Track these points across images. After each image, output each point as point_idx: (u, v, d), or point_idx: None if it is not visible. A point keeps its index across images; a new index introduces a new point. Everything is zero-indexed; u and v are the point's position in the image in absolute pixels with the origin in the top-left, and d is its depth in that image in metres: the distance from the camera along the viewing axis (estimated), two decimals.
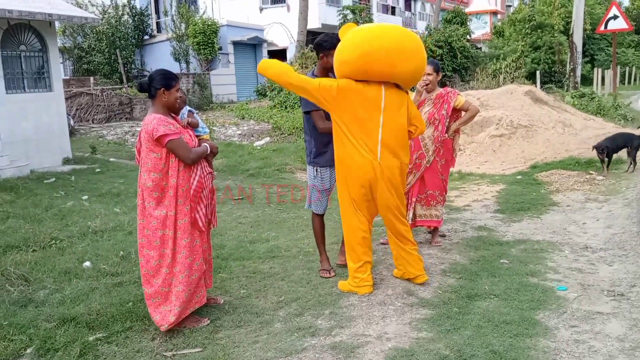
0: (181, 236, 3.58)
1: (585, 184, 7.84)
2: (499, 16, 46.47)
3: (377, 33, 4.06)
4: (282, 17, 28.73)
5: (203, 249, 3.75)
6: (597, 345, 3.30)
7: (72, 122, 14.21)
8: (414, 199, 5.42)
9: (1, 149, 9.39)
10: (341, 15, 29.16)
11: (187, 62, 21.72)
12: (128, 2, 22.70)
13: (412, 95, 5.31)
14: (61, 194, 7.86)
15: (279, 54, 28.49)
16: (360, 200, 4.17)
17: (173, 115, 3.75)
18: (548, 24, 28.81)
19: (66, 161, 10.63)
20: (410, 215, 5.42)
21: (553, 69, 27.41)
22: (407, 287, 4.31)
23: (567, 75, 20.46)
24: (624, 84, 36.03)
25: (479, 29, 40.67)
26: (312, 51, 20.60)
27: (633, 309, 3.78)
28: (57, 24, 11.81)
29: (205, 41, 21.11)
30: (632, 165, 8.20)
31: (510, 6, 52.43)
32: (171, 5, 24.22)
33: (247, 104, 19.75)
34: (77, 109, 16.75)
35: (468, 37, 27.53)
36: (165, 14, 25.44)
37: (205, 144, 3.78)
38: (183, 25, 21.59)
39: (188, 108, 4.05)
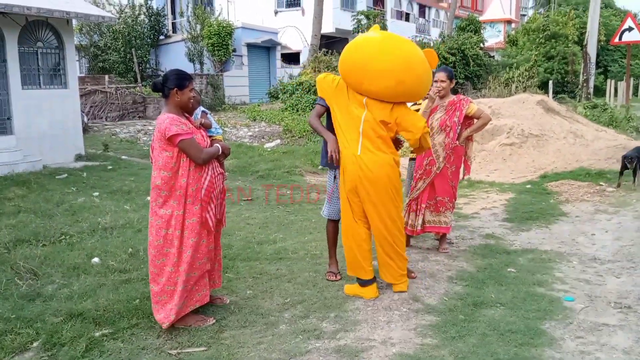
0: (188, 235, 3.60)
1: (595, 195, 7.79)
2: (513, 25, 46.32)
3: (360, 44, 4.17)
4: (296, 21, 28.84)
5: (209, 249, 3.77)
6: (603, 357, 3.28)
7: (85, 119, 14.33)
8: (423, 205, 5.42)
9: (15, 144, 9.50)
10: (355, 20, 29.22)
11: (201, 63, 21.84)
12: (145, 2, 22.87)
13: (424, 103, 5.33)
14: (72, 190, 7.94)
15: (293, 57, 28.60)
16: (351, 197, 4.19)
17: (186, 115, 3.79)
18: (562, 34, 28.71)
19: (78, 158, 10.72)
20: (420, 221, 5.42)
21: (566, 79, 27.30)
22: (413, 292, 4.31)
23: (579, 86, 20.36)
24: (636, 95, 35.75)
25: (493, 38, 40.59)
26: (325, 55, 20.65)
27: None
28: (74, 21, 11.94)
29: (220, 43, 21.21)
30: None
31: (524, 15, 52.27)
32: (187, 6, 24.37)
33: (259, 105, 19.81)
34: (91, 107, 16.89)
35: (481, 45, 27.48)
36: (181, 15, 25.61)
37: (217, 144, 3.81)
38: (198, 27, 21.70)
39: (202, 109, 4.08)
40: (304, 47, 27.08)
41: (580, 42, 25.02)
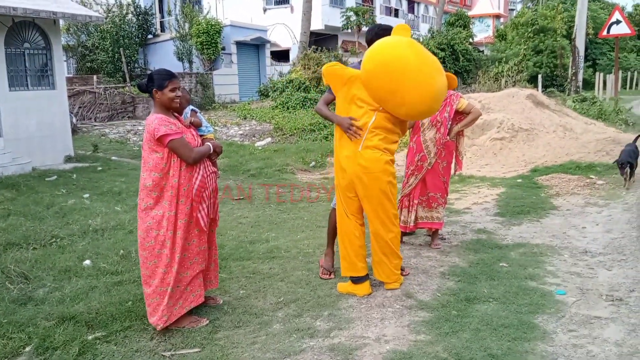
0: (181, 236, 3.59)
1: (585, 188, 7.84)
2: (501, 20, 46.48)
3: (395, 65, 3.92)
4: (285, 18, 28.78)
5: (201, 249, 3.75)
6: (595, 350, 3.30)
7: (74, 120, 14.23)
8: (415, 201, 5.43)
9: (3, 146, 9.42)
10: (344, 17, 29.21)
11: (190, 62, 21.73)
12: (132, 1, 22.70)
13: None
14: (62, 192, 7.88)
15: (282, 55, 28.54)
16: (347, 193, 4.19)
17: (176, 115, 3.77)
18: (550, 28, 28.85)
19: (68, 159, 10.65)
20: (412, 217, 5.44)
21: (555, 73, 27.45)
22: (406, 289, 4.32)
23: (568, 79, 20.47)
24: (625, 88, 35.99)
25: (482, 32, 40.71)
26: (314, 52, 20.63)
27: (631, 314, 3.78)
28: (61, 22, 11.84)
29: (209, 41, 21.13)
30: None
31: (513, 10, 52.45)
32: (175, 5, 24.24)
33: (249, 104, 19.76)
34: (79, 107, 16.77)
35: (470, 40, 27.58)
36: (169, 14, 25.48)
37: (209, 143, 3.79)
38: (187, 25, 21.60)
39: (191, 107, 4.05)
40: (293, 45, 27.04)
41: (569, 35, 25.14)
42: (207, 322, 3.78)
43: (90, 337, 3.54)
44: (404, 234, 5.54)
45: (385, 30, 4.37)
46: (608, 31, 17.22)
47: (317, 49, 21.14)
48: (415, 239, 5.78)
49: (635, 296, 4.09)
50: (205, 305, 3.97)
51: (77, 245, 5.48)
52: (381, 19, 34.05)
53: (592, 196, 7.42)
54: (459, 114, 5.40)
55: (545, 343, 3.38)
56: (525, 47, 26.33)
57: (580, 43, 19.17)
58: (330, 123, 14.44)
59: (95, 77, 18.21)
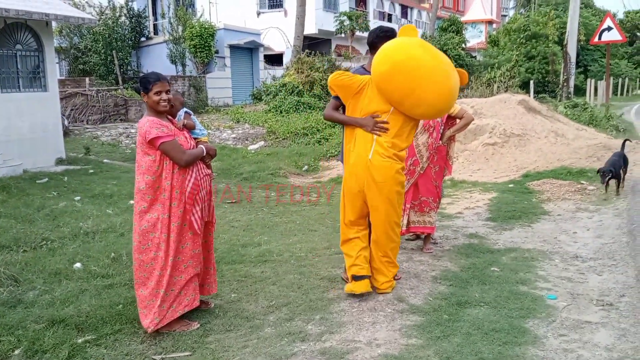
0: (174, 239, 3.58)
1: (576, 193, 7.88)
2: (494, 25, 46.76)
3: (410, 65, 3.91)
4: (279, 22, 28.83)
5: (195, 253, 3.73)
6: (586, 354, 3.32)
7: (66, 123, 14.17)
8: (408, 205, 5.44)
9: None
10: (338, 22, 29.29)
11: (184, 65, 21.72)
12: (126, 3, 22.69)
13: None
14: (53, 195, 7.84)
15: (276, 59, 28.56)
16: (354, 200, 4.17)
17: (169, 117, 3.77)
18: (542, 34, 29.06)
19: (59, 161, 10.59)
20: (405, 221, 5.44)
21: (547, 79, 27.64)
22: (397, 293, 4.32)
23: (560, 85, 20.60)
24: (616, 95, 36.29)
25: (474, 38, 40.95)
26: (308, 56, 20.65)
27: (622, 318, 3.80)
28: (53, 24, 11.79)
29: (202, 44, 21.13)
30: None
31: (505, 16, 52.78)
32: (169, 8, 24.22)
33: (242, 107, 19.75)
34: (71, 109, 16.70)
35: (463, 45, 27.73)
36: (163, 16, 25.47)
37: (202, 146, 3.80)
38: (180, 28, 21.59)
39: (185, 110, 4.05)
40: (286, 49, 27.08)
41: (561, 42, 25.32)
42: (198, 325, 3.76)
43: (80, 341, 3.52)
44: None
45: (387, 32, 4.37)
46: (599, 38, 17.36)
47: (310, 53, 21.17)
48: (407, 243, 5.79)
49: (625, 301, 4.11)
50: (197, 309, 3.95)
51: (68, 248, 5.45)
52: (374, 23, 34.14)
53: (583, 202, 7.46)
54: (452, 119, 5.42)
55: (536, 347, 3.39)
56: (517, 53, 26.49)
57: (572, 49, 19.31)
58: (324, 127, 14.50)
59: (87, 79, 18.16)
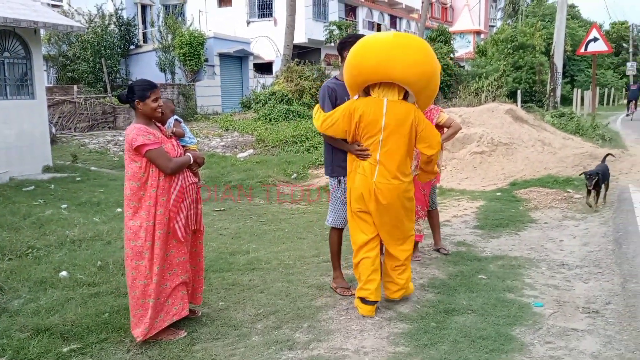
0: (159, 246, 3.57)
1: (562, 201, 7.95)
2: (482, 36, 47.17)
3: (372, 35, 4.07)
4: (268, 31, 28.89)
5: (180, 261, 3.72)
6: None
7: (53, 130, 14.08)
8: None
9: None
10: (327, 31, 29.40)
11: (173, 73, 21.68)
12: (115, 11, 22.65)
13: None
14: (40, 203, 7.77)
15: (265, 67, 28.61)
16: (359, 215, 4.09)
17: (158, 125, 3.77)
18: (530, 45, 29.35)
19: (46, 169, 10.51)
20: None
21: (534, 89, 27.90)
22: (385, 301, 4.32)
23: (547, 95, 20.80)
24: (602, 104, 36.72)
25: (463, 48, 41.28)
26: (297, 65, 20.73)
27: (607, 326, 3.83)
28: (42, 31, 11.75)
29: (192, 52, 21.13)
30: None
31: (493, 26, 53.30)
32: (158, 16, 24.24)
33: (231, 115, 19.74)
34: (59, 117, 16.59)
35: (452, 55, 27.94)
36: (152, 25, 25.44)
37: (189, 154, 3.79)
38: (170, 36, 21.59)
39: (175, 117, 4.03)
40: (276, 57, 27.12)
41: (548, 52, 25.61)
42: (185, 334, 3.74)
43: (65, 349, 3.49)
44: None
45: (349, 38, 4.40)
46: (586, 48, 17.58)
47: (300, 62, 21.25)
48: None
49: (611, 308, 4.14)
50: (184, 318, 3.92)
51: (54, 256, 5.40)
52: (364, 33, 34.32)
53: (570, 210, 7.52)
54: (439, 128, 5.45)
55: (522, 355, 3.41)
56: (504, 63, 26.77)
57: (559, 60, 19.53)
58: (313, 136, 14.52)
59: (75, 87, 18.07)
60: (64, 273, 4.85)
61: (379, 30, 38.42)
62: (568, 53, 32.19)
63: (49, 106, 13.30)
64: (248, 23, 30.39)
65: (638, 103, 27.37)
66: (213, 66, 22.48)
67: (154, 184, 3.56)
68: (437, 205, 5.90)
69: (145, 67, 22.18)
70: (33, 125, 10.38)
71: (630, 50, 53.26)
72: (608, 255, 5.47)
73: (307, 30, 30.22)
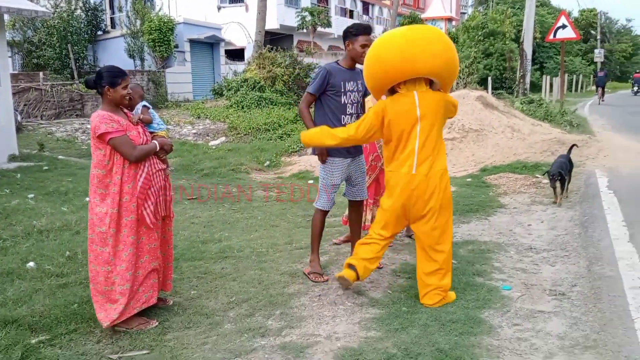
0: (127, 233, 3.54)
1: (531, 187, 8.09)
2: (453, 23, 47.45)
3: (387, 35, 4.05)
4: (240, 17, 28.60)
5: (151, 247, 3.69)
6: (539, 343, 3.41)
7: (19, 118, 13.72)
8: (371, 201, 5.47)
9: None
10: (300, 17, 29.23)
11: (142, 59, 21.31)
12: None
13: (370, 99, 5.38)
14: (6, 192, 7.59)
15: (237, 54, 28.32)
16: (393, 214, 4.04)
17: (125, 111, 3.72)
18: (500, 32, 29.64)
19: (12, 158, 10.25)
20: (369, 217, 5.48)
21: (504, 76, 28.23)
22: (357, 286, 4.35)
23: (517, 82, 21.06)
24: (571, 91, 37.38)
25: None
26: (270, 51, 20.55)
27: (573, 307, 3.93)
28: (5, 16, 11.38)
29: (161, 38, 20.77)
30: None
31: (464, 13, 53.65)
32: (126, 1, 23.74)
33: (203, 103, 19.52)
34: (25, 105, 16.18)
35: None
36: (120, 10, 24.93)
37: (155, 141, 3.74)
38: (138, 22, 21.17)
39: (143, 103, 3.96)
40: (248, 44, 26.89)
41: (517, 39, 25.89)
42: (157, 323, 3.72)
43: (33, 341, 3.43)
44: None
45: (357, 27, 4.47)
46: (554, 35, 17.79)
47: (272, 49, 21.07)
48: None
49: (577, 290, 4.24)
50: (155, 307, 3.89)
51: (21, 246, 5.29)
52: (336, 19, 34.24)
53: (538, 195, 7.66)
54: None
55: (491, 337, 3.47)
56: (475, 50, 26.97)
57: (528, 47, 19.75)
58: (286, 123, 14.47)
59: (41, 73, 17.61)
60: (31, 264, 4.76)
61: (351, 17, 38.34)
62: (537, 40, 32.65)
63: (14, 94, 12.95)
64: (219, 8, 30.02)
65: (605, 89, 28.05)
66: (183, 52, 22.16)
67: (119, 172, 3.53)
68: None
69: (114, 53, 21.75)
70: None
71: (598, 37, 54.31)
72: (574, 238, 5.60)
73: (279, 16, 29.99)
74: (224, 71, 23.65)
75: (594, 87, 38.49)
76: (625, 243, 5.26)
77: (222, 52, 24.57)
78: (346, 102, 4.50)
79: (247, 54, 26.20)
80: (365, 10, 42.05)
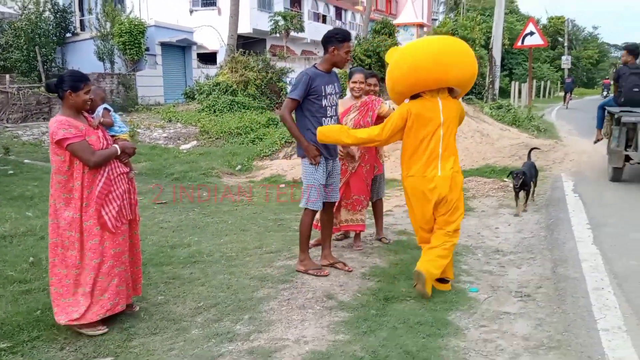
0: (87, 238, 3.52)
1: (499, 190, 8.22)
2: (425, 29, 47.87)
3: (421, 43, 4.26)
4: (212, 20, 28.43)
5: (115, 252, 3.64)
6: (504, 344, 3.46)
7: None
8: (342, 203, 5.49)
9: None
10: (272, 22, 29.21)
11: (112, 62, 21.00)
12: None
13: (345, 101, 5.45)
14: None
15: (209, 57, 28.15)
16: (424, 217, 4.29)
17: (86, 115, 3.67)
18: (470, 38, 30.00)
19: None
20: (338, 219, 5.49)
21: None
22: (327, 290, 4.36)
23: (486, 87, 21.37)
24: (539, 97, 38.10)
25: (406, 40, 41.69)
26: (242, 55, 20.46)
27: (538, 309, 3.99)
28: None
29: (132, 41, 20.50)
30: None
31: (435, 20, 54.31)
32: (96, 3, 23.37)
33: (174, 106, 19.31)
34: None
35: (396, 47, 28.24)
36: (90, 12, 24.51)
37: (116, 145, 3.69)
38: (108, 24, 20.88)
39: (105, 106, 3.90)
40: (220, 47, 26.73)
41: (487, 45, 26.29)
42: (106, 329, 3.64)
43: None
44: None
45: (343, 33, 4.59)
46: (523, 42, 18.13)
47: (245, 53, 20.99)
48: (339, 241, 5.84)
49: (542, 292, 4.32)
50: (121, 313, 3.84)
51: None
52: (309, 24, 34.34)
53: (506, 198, 7.78)
54: (380, 119, 5.52)
55: (457, 339, 3.51)
56: None
57: (497, 53, 20.07)
58: (258, 127, 14.41)
59: (8, 76, 17.22)
60: None
61: (324, 22, 38.48)
62: (506, 47, 33.17)
63: None
64: (191, 12, 29.83)
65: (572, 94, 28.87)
66: (155, 55, 21.92)
67: (79, 177, 3.50)
68: (383, 196, 5.98)
69: (83, 55, 21.39)
70: None
71: (566, 44, 55.53)
72: (540, 241, 5.70)
73: (252, 20, 29.94)
74: (196, 75, 23.47)
75: (561, 93, 39.36)
76: (589, 245, 5.38)
77: (194, 55, 24.39)
78: (327, 105, 4.61)
79: (220, 58, 26.04)
80: (338, 15, 42.25)
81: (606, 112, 9.02)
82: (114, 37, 20.53)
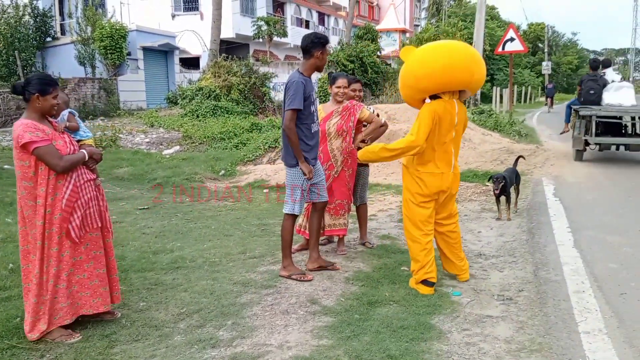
0: (49, 245, 3.48)
1: (481, 195, 8.29)
2: (407, 34, 48.27)
3: (455, 45, 4.35)
4: (195, 25, 28.36)
5: (76, 260, 3.59)
6: (486, 347, 3.48)
7: None
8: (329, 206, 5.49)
9: None
10: (255, 26, 29.20)
11: (93, 67, 20.83)
12: (30, 2, 21.45)
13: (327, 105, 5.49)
14: None
15: (192, 62, 28.05)
16: (428, 212, 4.47)
17: (50, 119, 3.60)
18: None
19: None
20: (327, 223, 5.50)
21: None
22: (310, 295, 4.35)
23: None
24: (520, 102, 38.55)
25: (389, 46, 42.07)
26: (225, 60, 20.42)
27: (520, 312, 4.03)
28: None
29: (113, 45, 20.36)
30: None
31: (418, 25, 54.78)
32: (76, 8, 23.17)
33: (156, 111, 19.20)
34: None
35: (378, 53, 28.41)
36: (70, 16, 24.30)
37: (84, 150, 3.64)
38: (89, 29, 20.71)
39: (69, 110, 3.84)
40: (203, 52, 26.67)
41: None
42: (80, 337, 3.60)
43: None
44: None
45: (322, 39, 4.66)
46: (503, 48, 18.33)
47: (228, 57, 20.96)
48: (323, 246, 5.84)
49: (524, 295, 4.36)
50: (102, 320, 3.79)
51: None
52: (292, 29, 34.41)
53: (488, 202, 7.84)
54: (360, 123, 5.55)
55: (440, 342, 3.52)
56: None
57: None
58: (242, 132, 14.37)
59: None
60: None
61: (307, 27, 38.58)
62: (487, 52, 33.58)
63: None
64: (173, 16, 29.73)
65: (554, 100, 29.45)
66: (136, 60, 21.79)
67: (44, 183, 3.43)
68: (366, 200, 6.00)
69: (64, 60, 21.19)
70: None
71: (546, 50, 56.33)
72: (522, 245, 5.75)
73: (235, 25, 29.92)
74: (179, 79, 23.38)
75: (542, 99, 39.90)
76: (570, 249, 5.45)
77: (176, 60, 24.31)
78: (313, 110, 4.68)
79: (203, 63, 25.97)
80: (321, 20, 42.40)
81: (572, 109, 11.69)
82: (95, 42, 20.38)
